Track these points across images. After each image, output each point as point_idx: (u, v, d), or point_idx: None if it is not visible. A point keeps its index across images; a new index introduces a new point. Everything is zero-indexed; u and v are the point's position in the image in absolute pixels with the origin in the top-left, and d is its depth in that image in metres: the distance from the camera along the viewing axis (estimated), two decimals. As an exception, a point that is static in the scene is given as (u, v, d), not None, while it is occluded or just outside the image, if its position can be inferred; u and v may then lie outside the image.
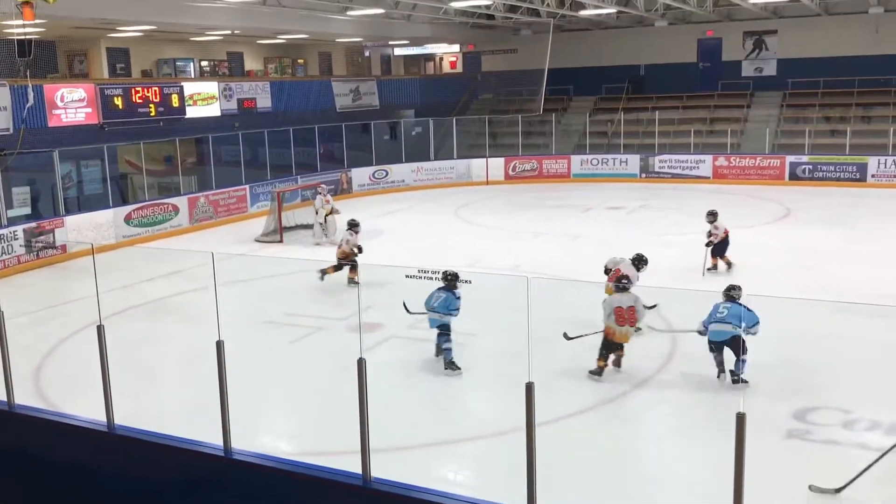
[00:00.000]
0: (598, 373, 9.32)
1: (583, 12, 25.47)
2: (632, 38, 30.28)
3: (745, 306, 8.95)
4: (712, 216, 14.30)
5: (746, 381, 8.80)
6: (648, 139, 27.63)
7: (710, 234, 14.18)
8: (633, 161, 26.80)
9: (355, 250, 13.34)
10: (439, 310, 9.50)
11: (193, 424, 6.18)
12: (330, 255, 14.22)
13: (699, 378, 9.55)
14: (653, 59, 30.59)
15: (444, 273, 8.77)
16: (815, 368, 9.62)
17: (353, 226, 13.81)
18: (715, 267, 14.22)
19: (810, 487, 6.70)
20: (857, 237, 16.43)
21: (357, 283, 13.05)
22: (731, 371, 8.96)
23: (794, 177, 24.70)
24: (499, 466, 7.34)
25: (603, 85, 31.09)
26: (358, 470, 5.02)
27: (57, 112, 18.77)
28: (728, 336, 8.89)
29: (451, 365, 9.67)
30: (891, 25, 26.56)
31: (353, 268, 13.34)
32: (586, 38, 31.02)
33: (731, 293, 9.20)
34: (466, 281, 5.42)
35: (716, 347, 9.07)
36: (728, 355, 9.02)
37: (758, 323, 8.70)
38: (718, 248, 14.21)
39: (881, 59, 26.88)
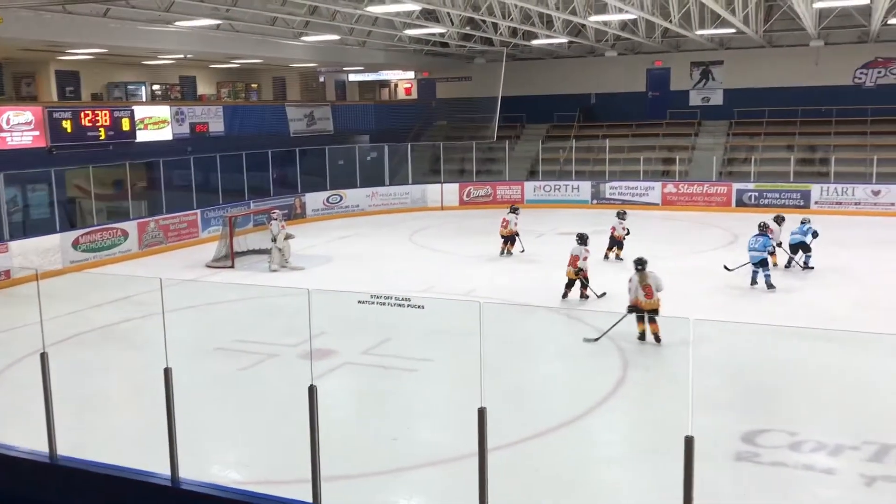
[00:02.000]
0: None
1: (535, 42, 25.88)
2: (583, 68, 30.87)
3: (768, 236, 14.96)
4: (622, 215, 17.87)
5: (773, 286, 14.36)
6: (599, 166, 28.08)
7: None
8: (585, 188, 27.19)
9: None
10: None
11: (140, 454, 6.05)
12: (287, 281, 14.11)
13: (649, 400, 9.67)
14: (603, 88, 31.21)
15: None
16: (762, 391, 9.81)
17: (514, 210, 18.23)
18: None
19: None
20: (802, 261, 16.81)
21: (511, 253, 18.13)
22: (766, 281, 14.41)
23: (740, 203, 25.29)
24: (451, 493, 7.32)
25: (555, 113, 31.58)
26: (309, 499, 4.96)
27: (2, 135, 18.39)
28: (759, 259, 14.57)
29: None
30: (830, 58, 27.54)
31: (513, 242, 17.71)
32: (539, 67, 31.53)
33: (762, 228, 15.18)
34: (419, 306, 5.42)
35: (754, 266, 14.59)
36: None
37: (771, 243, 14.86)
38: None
39: (821, 90, 27.82)
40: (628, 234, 17.62)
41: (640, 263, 11.61)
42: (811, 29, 23.61)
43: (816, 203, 24.54)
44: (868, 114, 27.24)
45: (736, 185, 25.65)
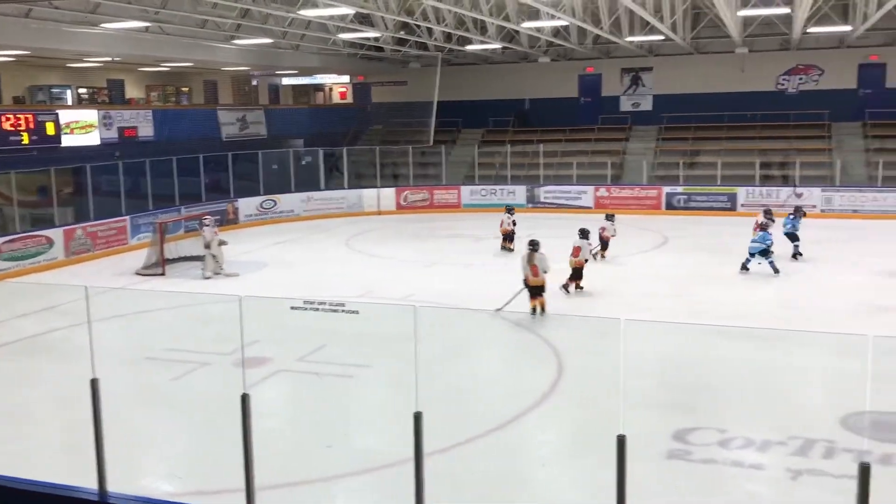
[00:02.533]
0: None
1: (469, 47, 26.05)
2: (517, 74, 31.19)
3: (768, 233, 16.45)
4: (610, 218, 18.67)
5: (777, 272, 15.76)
6: (534, 171, 28.41)
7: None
8: (520, 191, 27.47)
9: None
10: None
11: (66, 468, 5.86)
12: (220, 287, 13.86)
13: (584, 400, 9.81)
14: (537, 94, 31.59)
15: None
16: (692, 390, 10.04)
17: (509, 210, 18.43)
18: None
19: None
20: (730, 262, 17.30)
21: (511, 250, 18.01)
22: (770, 264, 15.98)
23: (670, 206, 25.89)
24: (388, 499, 7.29)
25: (490, 118, 31.83)
26: (243, 509, 4.87)
27: (-83, 139, 17.66)
28: (757, 249, 16.22)
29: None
30: (755, 65, 28.44)
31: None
32: (474, 73, 31.73)
33: (762, 226, 16.65)
34: (354, 311, 5.39)
35: (756, 255, 16.21)
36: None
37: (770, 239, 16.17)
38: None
39: (747, 96, 28.71)
40: (614, 235, 18.43)
41: (533, 245, 13.12)
42: (736, 36, 24.34)
43: (743, 205, 25.27)
44: (790, 118, 28.21)
45: (666, 189, 26.25)
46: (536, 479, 7.92)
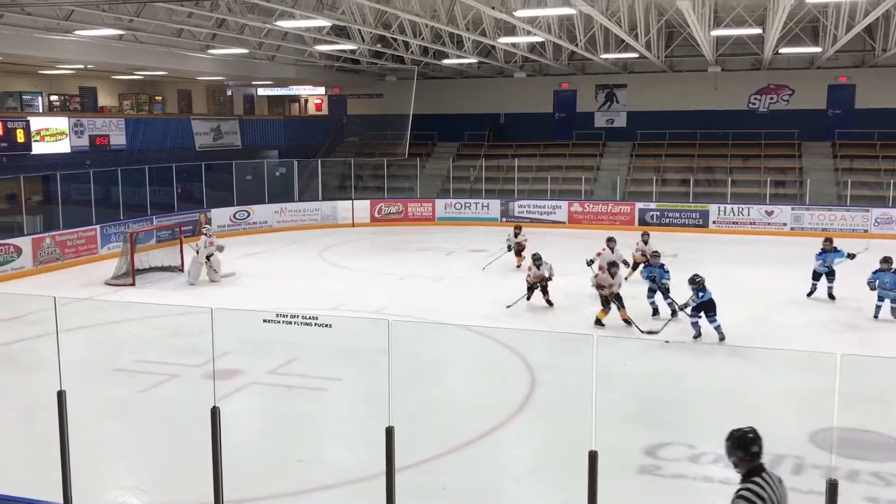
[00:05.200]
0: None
1: (445, 61, 26.15)
2: (492, 88, 31.36)
3: (832, 251, 15.33)
4: (647, 235, 18.20)
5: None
6: (508, 185, 28.52)
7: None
8: (494, 206, 27.55)
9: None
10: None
11: (31, 482, 5.75)
12: (191, 299, 13.69)
13: (556, 416, 9.81)
14: (512, 109, 31.76)
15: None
16: (663, 405, 10.09)
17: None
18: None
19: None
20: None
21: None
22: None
23: (643, 222, 26.08)
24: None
25: (465, 132, 31.94)
26: (211, 523, 4.81)
27: None
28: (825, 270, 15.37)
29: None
30: (727, 84, 28.85)
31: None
32: (450, 86, 31.85)
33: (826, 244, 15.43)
34: (327, 325, 5.38)
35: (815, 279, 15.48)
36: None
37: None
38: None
39: (719, 114, 29.10)
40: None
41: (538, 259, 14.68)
42: (709, 55, 24.67)
43: (714, 223, 25.55)
44: (762, 137, 28.63)
45: (639, 205, 26.46)
46: (509, 494, 7.91)
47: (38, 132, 21.34)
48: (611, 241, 16.57)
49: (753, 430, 4.57)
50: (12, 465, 8.11)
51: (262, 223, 25.91)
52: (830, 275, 15.37)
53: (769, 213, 25.17)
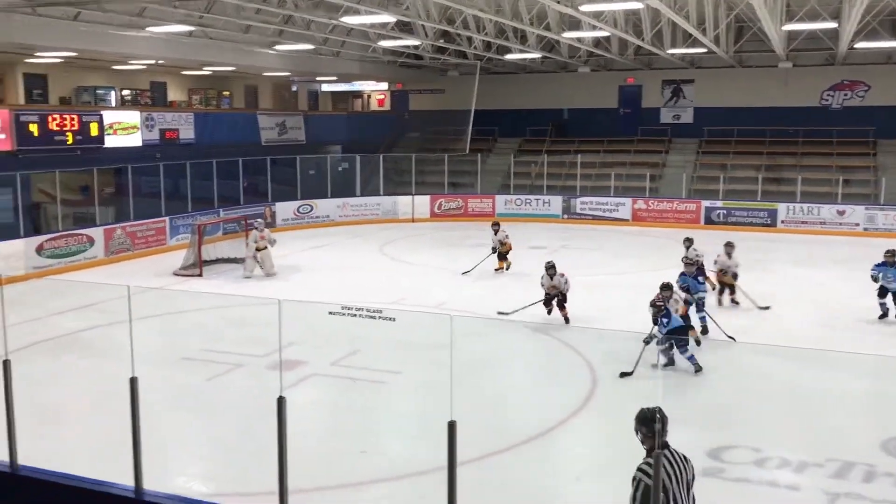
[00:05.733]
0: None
1: (509, 56, 26.04)
2: (556, 83, 31.11)
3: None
4: (689, 241, 15.66)
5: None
6: (570, 181, 28.29)
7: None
8: (556, 202, 27.35)
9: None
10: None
11: (103, 465, 5.93)
12: (256, 290, 13.94)
13: (618, 415, 9.71)
14: (576, 104, 31.47)
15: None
16: (728, 408, 9.89)
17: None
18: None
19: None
20: (770, 280, 17.05)
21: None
22: None
23: (709, 221, 25.59)
24: (419, 506, 7.28)
25: (527, 127, 31.76)
26: (276, 511, 4.89)
27: (-33, 137, 18.07)
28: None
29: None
30: (798, 80, 28.06)
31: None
32: (512, 81, 31.72)
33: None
34: (391, 318, 5.44)
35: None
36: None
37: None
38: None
39: (790, 111, 28.33)
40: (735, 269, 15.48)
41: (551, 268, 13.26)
42: (780, 50, 24.04)
43: (783, 222, 24.91)
44: (834, 135, 27.76)
45: (705, 203, 25.96)
46: (570, 493, 7.85)
47: (110, 126, 21.97)
48: (689, 241, 15.76)
49: (659, 410, 4.84)
50: (85, 448, 8.40)
51: (324, 217, 26.24)
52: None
53: (841, 213, 24.42)
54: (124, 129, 22.43)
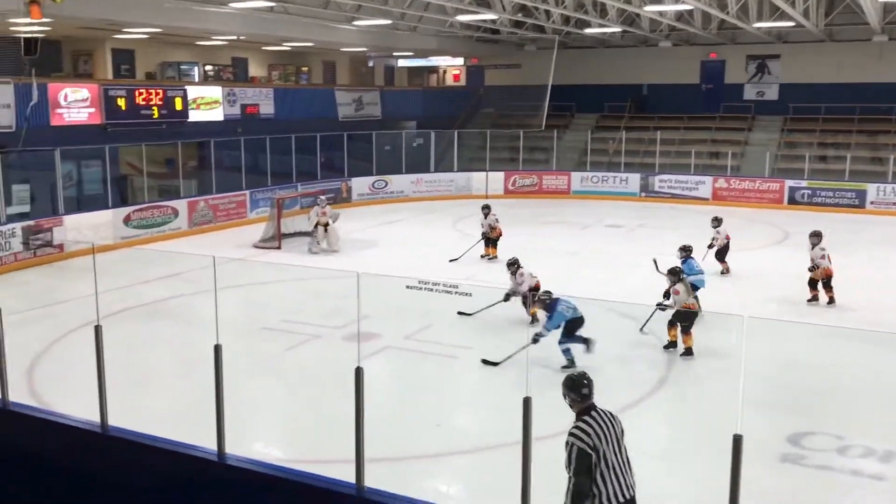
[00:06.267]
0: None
1: (588, 30, 25.59)
2: (635, 58, 30.43)
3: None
4: (717, 221, 15.59)
5: None
6: (649, 158, 27.73)
7: (712, 239, 15.49)
8: (634, 180, 26.87)
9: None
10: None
11: (186, 428, 6.15)
12: (333, 264, 14.10)
13: (693, 397, 9.55)
14: (656, 79, 30.74)
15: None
16: (810, 393, 9.62)
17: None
18: (725, 271, 15.41)
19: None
20: (855, 263, 16.43)
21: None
22: None
23: (792, 201, 24.77)
24: (492, 481, 7.32)
25: (605, 103, 31.20)
26: (351, 479, 4.99)
27: (60, 111, 18.78)
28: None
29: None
30: (894, 53, 26.72)
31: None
32: (590, 56, 31.15)
33: None
34: (467, 294, 5.47)
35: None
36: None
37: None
38: (720, 252, 15.47)
39: (884, 87, 27.04)
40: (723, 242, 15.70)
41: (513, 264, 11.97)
42: (875, 23, 22.96)
43: (872, 203, 23.92)
44: (930, 112, 26.45)
45: (789, 183, 25.11)
46: (644, 473, 7.75)
47: (194, 101, 22.51)
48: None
49: (585, 375, 5.26)
50: (171, 411, 8.72)
51: (398, 193, 26.41)
52: None
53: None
54: (207, 103, 22.96)
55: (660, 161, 27.39)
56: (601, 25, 23.91)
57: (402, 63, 35.71)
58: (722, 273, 15.28)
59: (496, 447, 7.68)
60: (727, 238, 15.54)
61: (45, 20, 14.81)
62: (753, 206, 24.86)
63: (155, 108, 21.22)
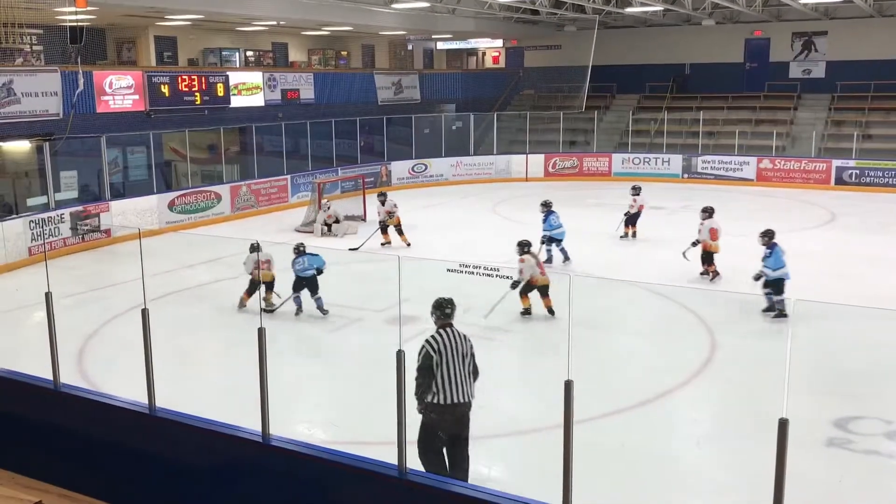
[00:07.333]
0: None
1: (629, 9, 25.23)
2: (678, 37, 29.92)
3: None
4: (635, 190, 17.28)
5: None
6: (692, 139, 27.31)
7: (629, 207, 17.11)
8: (676, 161, 26.50)
9: None
10: None
11: (231, 410, 6.25)
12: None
13: (737, 380, 9.44)
14: (698, 59, 30.19)
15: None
16: (857, 377, 9.44)
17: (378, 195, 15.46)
18: (626, 235, 17.24)
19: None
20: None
21: None
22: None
23: (840, 181, 24.24)
24: (532, 463, 7.33)
25: (647, 83, 30.78)
26: (394, 461, 5.03)
27: (105, 98, 19.11)
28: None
29: None
30: (946, 29, 25.92)
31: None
32: (631, 36, 30.71)
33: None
34: (508, 277, 5.47)
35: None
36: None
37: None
38: (632, 218, 17.20)
39: (935, 64, 26.25)
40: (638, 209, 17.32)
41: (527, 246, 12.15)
42: (927, -3, 22.28)
43: (923, 182, 23.32)
44: (985, 89, 25.62)
45: (836, 163, 24.55)
46: (687, 457, 7.72)
47: (235, 86, 22.72)
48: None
49: (451, 300, 6.72)
50: (215, 393, 8.87)
51: (438, 176, 26.42)
52: None
53: None
54: (248, 89, 23.16)
55: (702, 142, 26.94)
56: (643, 4, 23.57)
57: (440, 46, 35.60)
58: (622, 237, 17.15)
59: (537, 430, 7.68)
60: (640, 208, 17.11)
61: (89, 8, 15.05)
62: (799, 187, 24.36)
63: (197, 94, 21.47)
